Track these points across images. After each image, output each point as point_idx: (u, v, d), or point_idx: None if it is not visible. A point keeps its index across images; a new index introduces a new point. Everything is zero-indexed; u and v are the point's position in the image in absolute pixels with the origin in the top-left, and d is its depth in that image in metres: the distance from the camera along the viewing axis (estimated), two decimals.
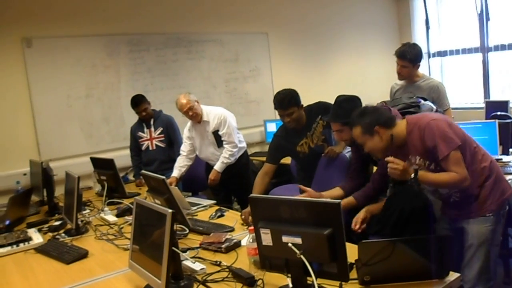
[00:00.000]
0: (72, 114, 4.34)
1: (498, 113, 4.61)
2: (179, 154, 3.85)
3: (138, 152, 4.18)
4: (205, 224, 2.61)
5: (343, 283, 1.58)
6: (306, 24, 5.93)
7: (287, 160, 3.34)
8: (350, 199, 2.46)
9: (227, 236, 2.25)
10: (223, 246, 2.15)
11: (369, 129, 2.10)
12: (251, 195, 1.74)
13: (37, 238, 2.62)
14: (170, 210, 1.64)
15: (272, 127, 5.23)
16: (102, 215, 2.99)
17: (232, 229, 2.49)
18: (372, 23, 6.60)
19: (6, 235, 2.67)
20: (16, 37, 4.04)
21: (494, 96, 6.09)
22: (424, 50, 5.86)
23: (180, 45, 4.95)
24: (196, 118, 3.70)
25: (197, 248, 2.21)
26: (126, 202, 3.08)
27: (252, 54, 5.50)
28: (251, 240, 1.87)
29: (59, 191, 3.50)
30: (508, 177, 2.83)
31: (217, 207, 3.02)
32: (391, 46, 4.27)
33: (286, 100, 2.88)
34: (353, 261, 1.64)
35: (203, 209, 3.05)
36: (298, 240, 1.54)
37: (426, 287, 1.60)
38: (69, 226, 2.75)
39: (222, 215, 2.82)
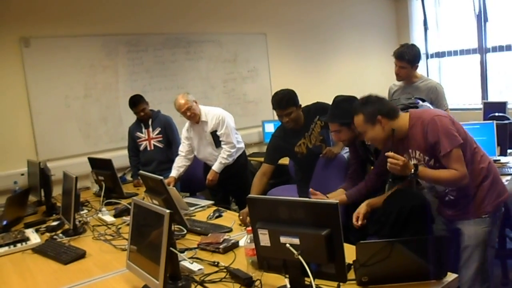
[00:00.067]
0: (70, 114, 4.33)
1: (496, 114, 4.61)
2: (177, 155, 3.85)
3: (136, 153, 4.17)
4: (203, 225, 2.61)
5: (341, 283, 1.58)
6: (304, 25, 5.94)
7: (285, 160, 3.34)
8: (342, 196, 2.45)
9: (225, 237, 2.25)
10: (221, 246, 2.15)
11: (372, 118, 2.09)
12: (249, 195, 1.74)
13: (34, 238, 2.62)
14: (168, 211, 1.64)
15: (270, 128, 5.24)
16: (99, 215, 2.98)
17: (230, 230, 2.49)
18: (370, 24, 6.61)
19: (3, 235, 2.67)
20: (14, 37, 4.03)
21: (492, 97, 6.11)
22: (422, 51, 5.83)
23: (179, 46, 4.95)
24: (194, 118, 3.69)
25: (195, 248, 2.21)
26: (124, 202, 3.07)
27: (251, 54, 5.50)
28: (249, 241, 1.87)
29: (57, 191, 3.48)
30: (506, 178, 2.85)
31: (215, 208, 3.02)
32: (389, 47, 4.27)
33: (284, 100, 2.88)
34: (351, 262, 1.65)
35: (201, 209, 3.05)
36: (296, 241, 1.54)
37: (424, 287, 1.60)
38: (66, 226, 2.75)
39: (220, 216, 2.82)
